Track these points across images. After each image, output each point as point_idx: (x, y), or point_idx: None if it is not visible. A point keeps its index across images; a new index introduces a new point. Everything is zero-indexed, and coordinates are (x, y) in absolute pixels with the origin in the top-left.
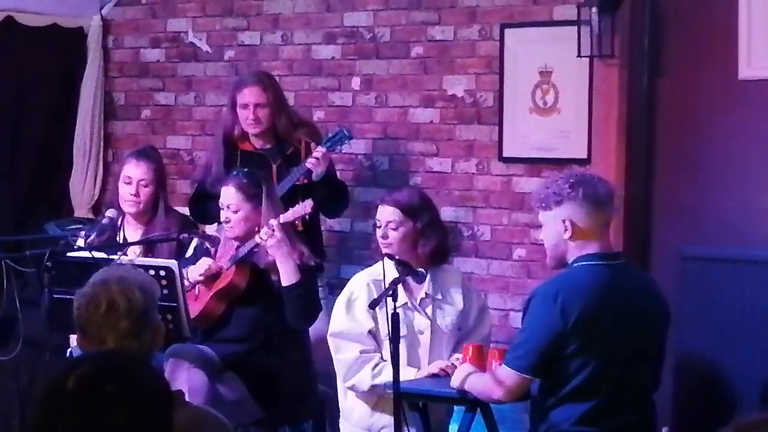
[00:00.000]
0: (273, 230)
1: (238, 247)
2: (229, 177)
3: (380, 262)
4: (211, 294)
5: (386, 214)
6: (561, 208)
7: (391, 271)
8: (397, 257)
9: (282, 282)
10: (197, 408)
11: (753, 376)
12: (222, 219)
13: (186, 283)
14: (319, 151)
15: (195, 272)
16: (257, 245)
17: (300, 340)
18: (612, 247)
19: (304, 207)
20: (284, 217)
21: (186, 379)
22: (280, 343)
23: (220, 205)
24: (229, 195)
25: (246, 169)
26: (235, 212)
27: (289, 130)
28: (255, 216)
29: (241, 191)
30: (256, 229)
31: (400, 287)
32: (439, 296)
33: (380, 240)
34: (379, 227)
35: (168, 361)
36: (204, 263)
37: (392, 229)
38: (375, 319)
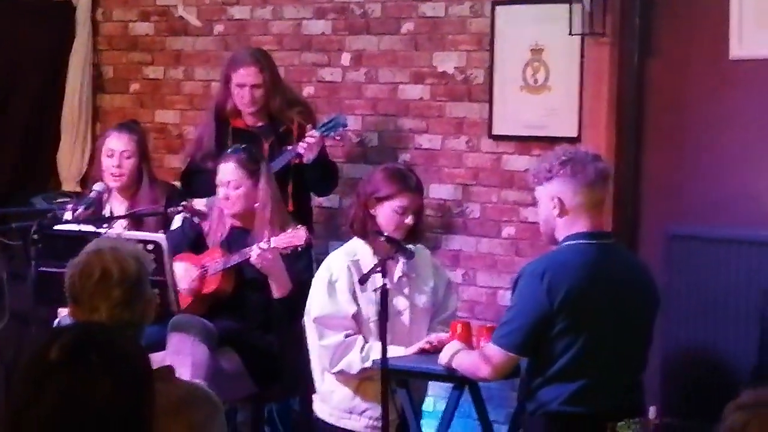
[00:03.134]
0: (265, 252)
1: (226, 255)
2: (228, 153)
3: (354, 240)
4: (192, 298)
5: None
6: (550, 184)
7: (366, 250)
8: (386, 234)
9: (274, 294)
10: (188, 384)
11: (740, 356)
12: (220, 196)
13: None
14: (312, 137)
15: (179, 275)
16: (247, 259)
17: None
18: (603, 227)
19: (298, 237)
20: (275, 241)
21: (190, 353)
22: (278, 321)
23: (217, 182)
24: (229, 171)
25: (243, 146)
26: (236, 189)
27: (282, 109)
28: (255, 193)
29: (242, 167)
30: (255, 205)
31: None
32: (414, 275)
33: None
34: (400, 213)
35: (172, 334)
36: (185, 272)
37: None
38: (356, 301)
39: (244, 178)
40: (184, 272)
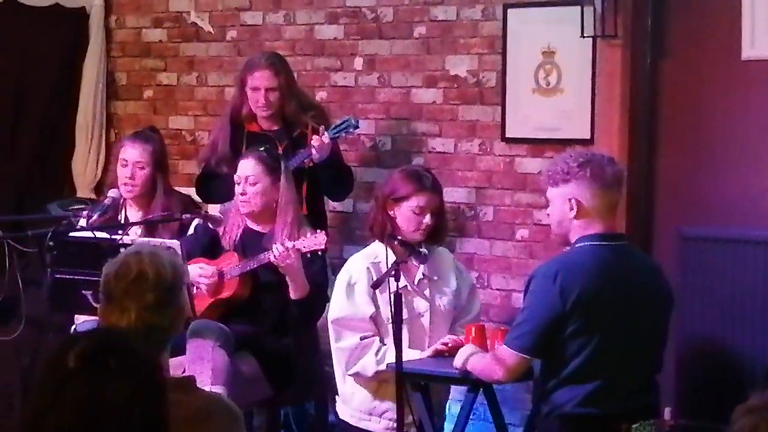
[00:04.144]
0: (287, 253)
1: (242, 259)
2: (248, 151)
3: (375, 244)
4: (210, 301)
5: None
6: (568, 186)
7: (386, 253)
8: (400, 237)
9: (291, 296)
10: (208, 395)
11: (755, 356)
12: (238, 192)
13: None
14: (318, 138)
15: (195, 274)
16: (267, 263)
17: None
18: (616, 229)
19: (318, 242)
20: (297, 245)
21: (210, 359)
22: (294, 323)
23: (236, 179)
24: (247, 167)
25: (263, 147)
26: (253, 185)
27: (297, 113)
28: (272, 192)
29: (261, 163)
30: (274, 204)
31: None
32: (436, 277)
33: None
34: (418, 213)
35: (192, 339)
36: (204, 271)
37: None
38: (375, 303)
39: (263, 175)
40: (199, 270)
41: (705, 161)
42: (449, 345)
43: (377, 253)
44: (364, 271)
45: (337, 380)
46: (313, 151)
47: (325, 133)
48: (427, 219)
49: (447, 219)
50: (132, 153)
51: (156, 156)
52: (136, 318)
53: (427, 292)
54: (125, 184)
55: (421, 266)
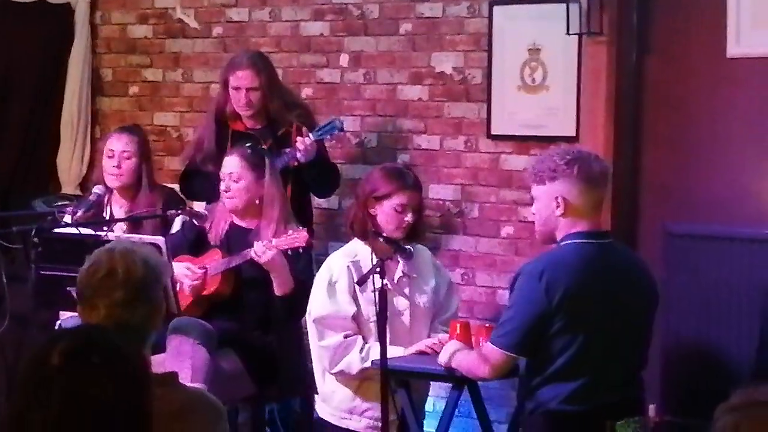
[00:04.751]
0: (268, 249)
1: (226, 256)
2: (233, 148)
3: (354, 242)
4: (192, 299)
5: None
6: (555, 183)
7: (366, 251)
8: (384, 234)
9: (275, 292)
10: (191, 390)
11: (740, 353)
12: (222, 188)
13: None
14: (303, 141)
15: (181, 274)
16: (249, 260)
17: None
18: (601, 226)
19: (300, 239)
20: (277, 242)
21: (190, 356)
22: (278, 320)
23: (221, 175)
24: (231, 163)
25: (250, 144)
26: (237, 181)
27: (281, 112)
28: (256, 188)
29: (244, 159)
30: (257, 201)
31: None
32: (415, 275)
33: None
34: (400, 211)
35: (172, 336)
36: (191, 273)
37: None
38: (357, 302)
39: (246, 171)
40: (185, 270)
41: (690, 158)
42: (435, 347)
43: (357, 252)
44: (345, 269)
45: (316, 379)
46: (298, 153)
47: (309, 134)
48: (409, 217)
49: (425, 216)
50: (118, 143)
51: (142, 147)
52: (105, 315)
53: (407, 290)
54: (111, 174)
55: (401, 265)
